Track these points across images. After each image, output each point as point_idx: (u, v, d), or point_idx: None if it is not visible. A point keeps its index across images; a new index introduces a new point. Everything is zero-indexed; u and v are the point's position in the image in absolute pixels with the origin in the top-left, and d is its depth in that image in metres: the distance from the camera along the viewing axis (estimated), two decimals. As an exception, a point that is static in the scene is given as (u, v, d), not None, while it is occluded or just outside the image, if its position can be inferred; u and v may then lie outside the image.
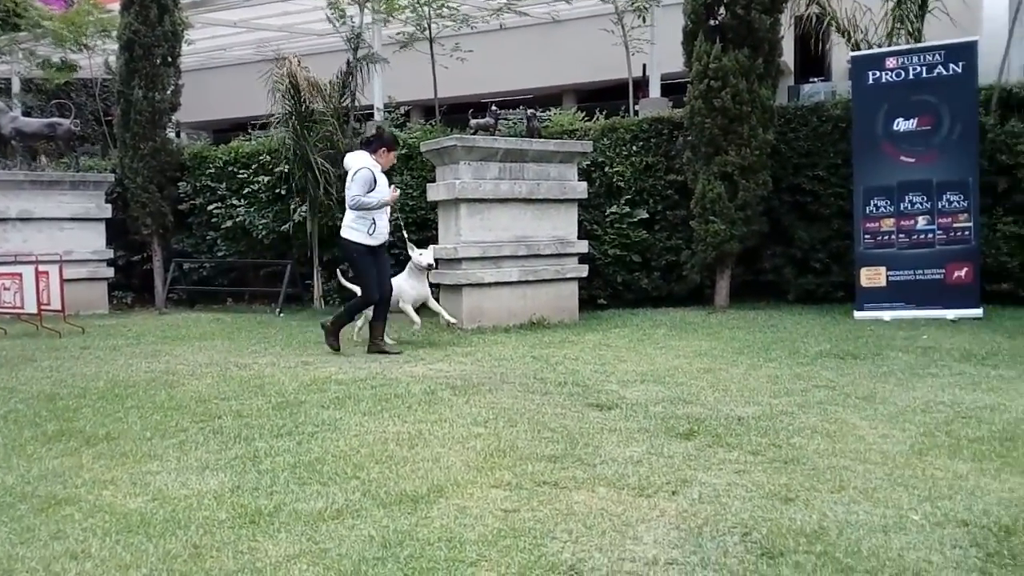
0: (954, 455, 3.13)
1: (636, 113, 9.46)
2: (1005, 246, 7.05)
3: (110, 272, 9.80)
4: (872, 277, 7.03)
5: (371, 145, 6.14)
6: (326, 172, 8.66)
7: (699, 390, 4.43)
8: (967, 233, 6.75)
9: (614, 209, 8.30)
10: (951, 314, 6.69)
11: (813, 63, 9.13)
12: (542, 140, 7.60)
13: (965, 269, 6.75)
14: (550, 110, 9.11)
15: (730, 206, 7.49)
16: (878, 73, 6.94)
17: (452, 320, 6.59)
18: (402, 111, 10.35)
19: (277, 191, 9.37)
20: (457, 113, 9.40)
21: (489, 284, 7.05)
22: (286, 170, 9.07)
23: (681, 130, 7.99)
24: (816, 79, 9.39)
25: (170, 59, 10.09)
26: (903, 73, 6.85)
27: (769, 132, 7.48)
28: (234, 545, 2.39)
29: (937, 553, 2.22)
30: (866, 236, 7.05)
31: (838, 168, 7.55)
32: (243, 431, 3.66)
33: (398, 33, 10.80)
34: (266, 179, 9.47)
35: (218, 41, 14.60)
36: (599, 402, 4.17)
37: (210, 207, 9.88)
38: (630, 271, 8.35)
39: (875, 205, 6.99)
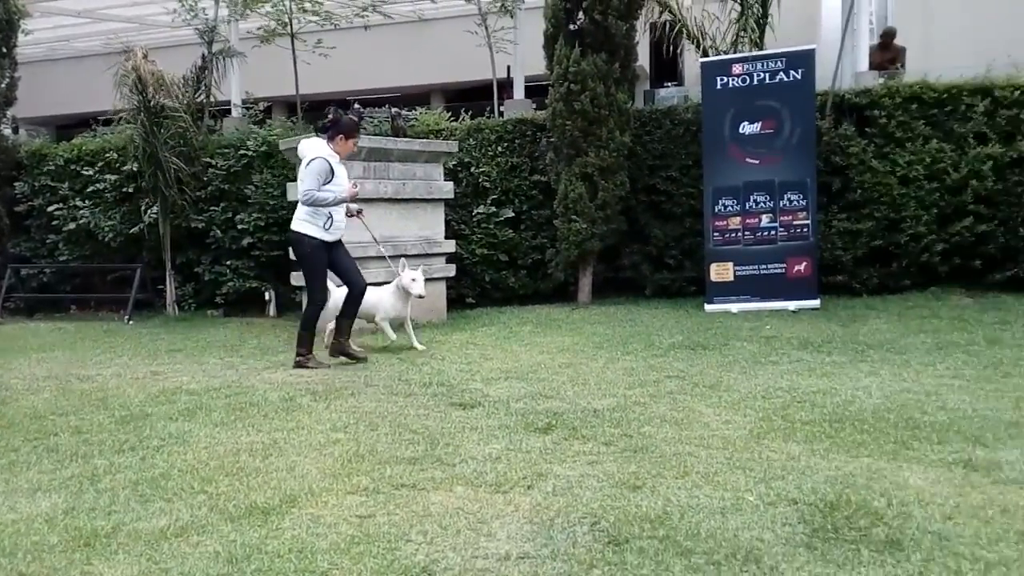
0: (788, 438, 3.35)
1: (501, 114, 9.57)
2: (839, 241, 7.61)
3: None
4: (721, 272, 7.43)
5: (327, 132, 5.55)
6: (179, 170, 8.26)
7: (560, 385, 4.54)
8: (806, 230, 7.25)
9: (481, 209, 8.36)
10: (792, 305, 7.16)
11: (667, 68, 9.54)
12: (407, 139, 7.56)
13: (804, 263, 7.25)
14: (416, 109, 9.06)
15: (591, 206, 7.71)
16: (725, 79, 7.34)
17: (420, 347, 5.87)
18: (261, 107, 10.01)
19: (125, 191, 8.85)
20: (320, 110, 9.20)
21: (354, 286, 6.92)
22: (135, 169, 8.58)
23: (544, 132, 8.15)
24: (670, 84, 9.81)
25: (4, 49, 9.34)
26: (748, 79, 7.27)
27: (626, 134, 7.74)
28: (65, 571, 2.24)
29: (769, 531, 2.37)
30: (715, 234, 7.44)
31: (689, 169, 7.92)
32: (81, 448, 3.44)
33: (258, 28, 10.45)
34: (113, 178, 8.92)
35: (62, 32, 13.64)
36: (463, 401, 4.19)
37: (50, 208, 9.21)
38: (498, 270, 8.44)
39: (723, 204, 7.39)
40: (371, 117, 8.67)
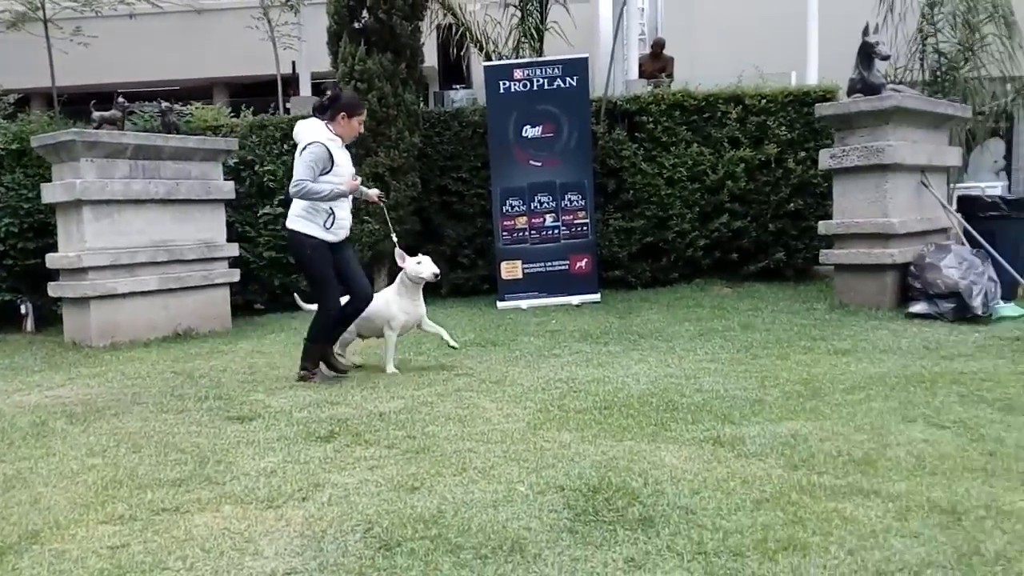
0: (562, 427, 3.52)
1: (287, 111, 9.25)
2: (616, 238, 8.11)
3: None
4: (510, 270, 7.66)
5: (326, 112, 4.69)
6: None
7: (347, 389, 4.47)
8: (585, 229, 7.65)
9: (267, 210, 8.02)
10: (576, 300, 7.53)
11: (455, 71, 9.69)
12: (181, 136, 7.09)
13: (585, 260, 7.65)
14: (191, 104, 8.53)
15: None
16: (508, 83, 7.56)
17: (454, 344, 5.20)
18: (12, 99, 8.98)
19: None
20: (85, 103, 8.41)
21: (123, 295, 6.40)
22: None
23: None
24: (459, 86, 9.98)
25: None
26: (529, 84, 7.54)
27: (416, 135, 7.77)
28: None
29: (536, 520, 2.47)
30: (504, 233, 7.66)
31: (479, 170, 8.10)
32: None
33: (3, 11, 9.36)
34: None
35: None
36: (241, 414, 3.99)
37: None
38: (288, 273, 8.13)
39: (510, 205, 7.62)
40: (140, 111, 8.04)
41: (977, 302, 5.56)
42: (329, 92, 4.82)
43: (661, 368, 4.73)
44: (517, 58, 8.23)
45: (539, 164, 7.58)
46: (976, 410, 3.52)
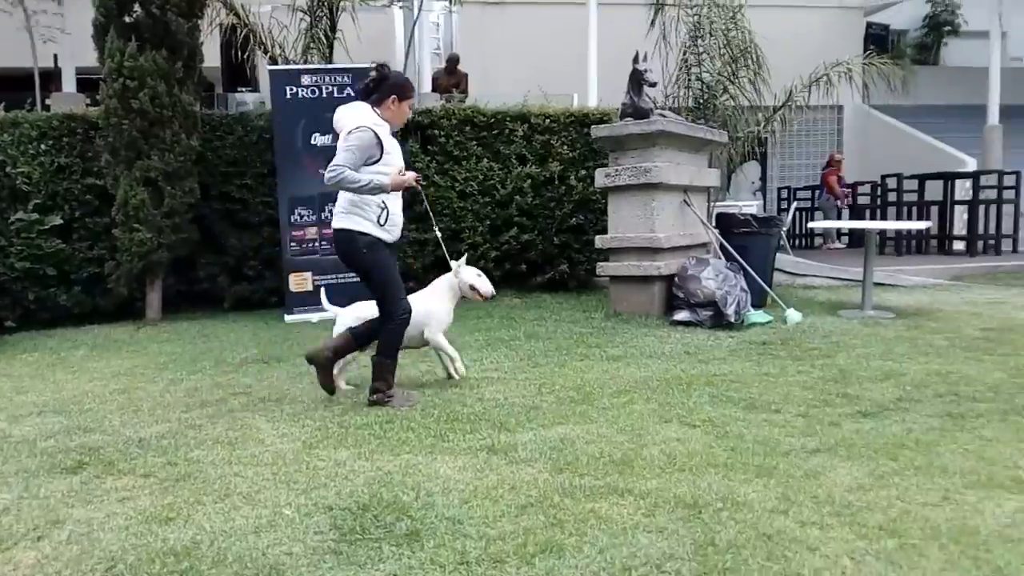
0: (339, 444, 3.45)
1: (47, 108, 8.40)
2: (410, 250, 8.10)
3: None
4: (299, 282, 7.43)
5: (371, 95, 4.08)
6: None
7: (106, 415, 4.11)
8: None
9: (20, 216, 7.23)
10: (369, 312, 7.42)
11: (241, 73, 9.27)
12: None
13: (378, 271, 7.57)
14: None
15: (156, 213, 7.14)
16: (295, 88, 7.34)
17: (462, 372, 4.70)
18: None
19: None
20: None
21: None
22: None
23: (99, 130, 7.33)
24: (244, 89, 9.56)
25: None
26: (317, 91, 7.37)
27: (194, 138, 7.32)
28: None
29: (299, 543, 2.40)
30: (292, 244, 7.41)
31: (265, 178, 7.78)
32: None
33: None
34: None
35: None
36: (-26, 446, 3.55)
37: None
38: (45, 286, 7.37)
39: (299, 214, 7.39)
40: None
41: (731, 310, 6.13)
42: (374, 72, 4.18)
43: (446, 379, 4.78)
44: (305, 63, 8.02)
45: (329, 174, 7.40)
46: (724, 409, 3.87)
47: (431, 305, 4.59)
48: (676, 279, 6.48)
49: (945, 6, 19.26)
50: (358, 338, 4.36)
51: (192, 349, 6.07)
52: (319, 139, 7.38)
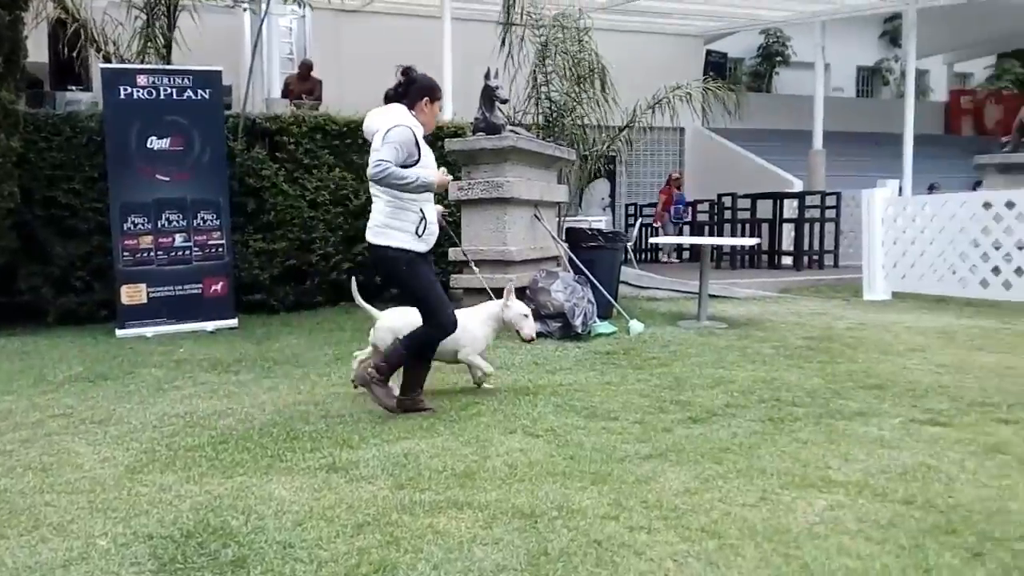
0: (167, 468, 3.25)
1: None
2: (257, 261, 7.82)
3: None
4: (132, 294, 6.98)
5: (403, 98, 3.93)
6: None
7: None
8: (221, 250, 7.26)
9: None
10: (211, 326, 7.10)
11: (71, 71, 8.63)
12: None
13: (221, 283, 7.25)
14: None
15: (-33, 219, 6.51)
16: (130, 89, 6.91)
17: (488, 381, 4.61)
18: None
19: None
20: None
21: None
22: None
23: None
24: (75, 88, 8.91)
25: None
26: (155, 92, 6.97)
27: (14, 139, 6.75)
28: None
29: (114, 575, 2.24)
30: (125, 253, 6.96)
31: (95, 182, 7.27)
32: None
33: None
34: None
35: None
36: None
37: None
38: None
39: (133, 222, 6.95)
40: None
41: (578, 321, 6.32)
42: (401, 76, 4.04)
43: (291, 395, 4.63)
44: (142, 63, 7.57)
45: (167, 179, 7.02)
46: (566, 418, 3.97)
47: (472, 327, 4.47)
48: (527, 291, 6.60)
49: (777, 38, 20.83)
50: (416, 347, 4.10)
51: (9, 367, 5.57)
52: (156, 143, 6.99)
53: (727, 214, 12.92)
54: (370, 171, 3.75)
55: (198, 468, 3.23)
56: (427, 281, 3.96)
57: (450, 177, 4.06)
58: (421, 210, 3.89)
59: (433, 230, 4.00)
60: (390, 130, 3.78)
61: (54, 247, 7.28)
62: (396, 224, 3.87)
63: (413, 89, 3.98)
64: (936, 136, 20.90)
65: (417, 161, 3.82)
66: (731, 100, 8.64)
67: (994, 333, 6.48)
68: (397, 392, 4.13)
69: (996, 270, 7.94)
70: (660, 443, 3.48)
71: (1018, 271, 7.73)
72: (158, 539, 2.48)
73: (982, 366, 5.11)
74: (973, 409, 4.02)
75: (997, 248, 7.94)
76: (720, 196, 13.13)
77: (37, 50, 8.09)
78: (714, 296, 8.39)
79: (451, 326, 4.05)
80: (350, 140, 8.12)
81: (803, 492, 2.85)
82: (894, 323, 7.07)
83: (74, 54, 7.70)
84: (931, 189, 14.18)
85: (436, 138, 8.21)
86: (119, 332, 6.88)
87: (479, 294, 6.83)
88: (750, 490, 2.88)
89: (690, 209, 14.46)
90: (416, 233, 3.88)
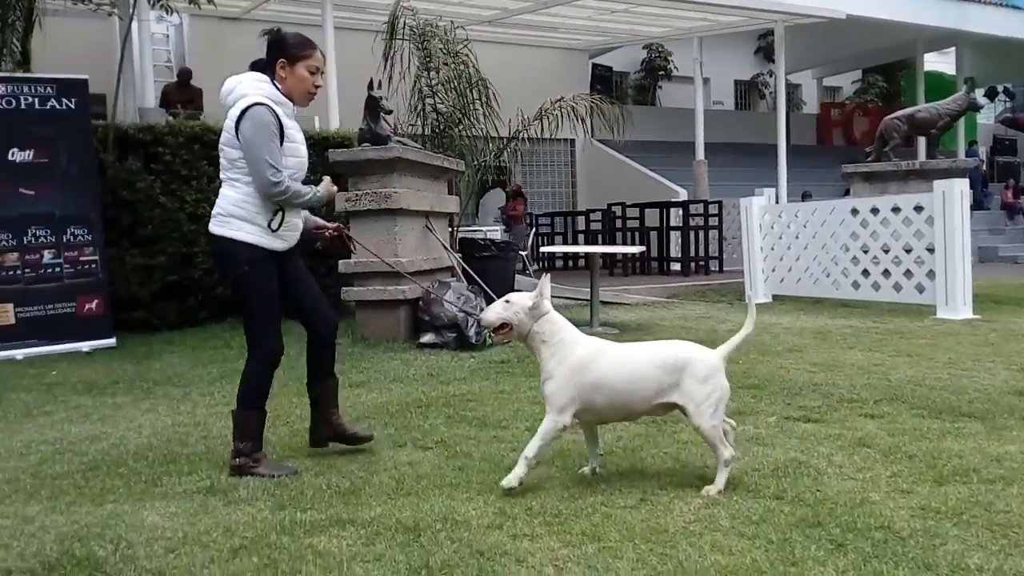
0: (32, 497, 3.06)
1: None
2: (135, 277, 7.46)
3: None
4: (1, 315, 6.54)
5: (265, 67, 3.24)
6: None
7: None
8: (94, 266, 6.90)
9: None
10: (86, 346, 6.74)
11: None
12: None
13: (96, 301, 6.89)
14: None
15: None
16: (-14, 98, 6.50)
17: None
18: None
19: None
20: None
21: None
22: None
23: None
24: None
25: None
26: (15, 101, 6.57)
27: None
28: None
29: (-37, 619, 2.08)
30: (-10, 271, 6.52)
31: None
32: None
33: None
34: None
35: None
36: None
37: None
38: None
39: (-6, 239, 6.52)
40: None
41: (472, 331, 6.34)
42: (270, 34, 3.40)
43: (171, 417, 4.44)
44: (-1, 72, 7.14)
45: (32, 193, 6.62)
46: (458, 429, 3.97)
47: None
48: (421, 303, 6.57)
49: (659, 53, 21.56)
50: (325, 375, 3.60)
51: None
52: (18, 155, 6.59)
53: (617, 223, 13.27)
54: (268, 190, 3.14)
55: (65, 497, 3.05)
56: (265, 293, 3.27)
57: (335, 188, 3.54)
58: (280, 207, 3.28)
59: (295, 225, 3.37)
60: (246, 111, 3.13)
61: (-96, 266, 6.73)
62: (244, 214, 3.20)
63: (277, 50, 3.30)
64: (809, 147, 22.13)
65: (280, 147, 3.20)
66: (615, 114, 8.88)
67: (865, 332, 6.91)
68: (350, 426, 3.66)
69: (866, 272, 8.47)
70: (547, 450, 3.52)
71: (886, 273, 8.27)
72: (17, 573, 2.32)
73: (852, 364, 5.43)
74: (843, 405, 4.27)
75: (865, 251, 8.47)
76: (610, 205, 13.47)
77: None
78: (606, 303, 8.60)
79: (272, 360, 3.36)
80: (233, 150, 7.86)
81: (681, 492, 2.95)
82: (773, 324, 7.43)
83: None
84: (804, 197, 14.99)
85: (322, 148, 8.06)
86: (-20, 355, 6.42)
87: (372, 307, 6.76)
88: (631, 492, 2.95)
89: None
90: (270, 227, 3.24)
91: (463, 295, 6.57)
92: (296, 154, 3.31)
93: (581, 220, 15.05)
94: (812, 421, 3.98)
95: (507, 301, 3.12)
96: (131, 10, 7.53)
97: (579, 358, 2.99)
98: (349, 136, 8.15)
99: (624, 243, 12.58)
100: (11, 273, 6.62)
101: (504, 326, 3.08)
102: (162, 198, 7.47)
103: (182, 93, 10.65)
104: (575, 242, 14.54)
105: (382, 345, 6.58)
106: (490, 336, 3.29)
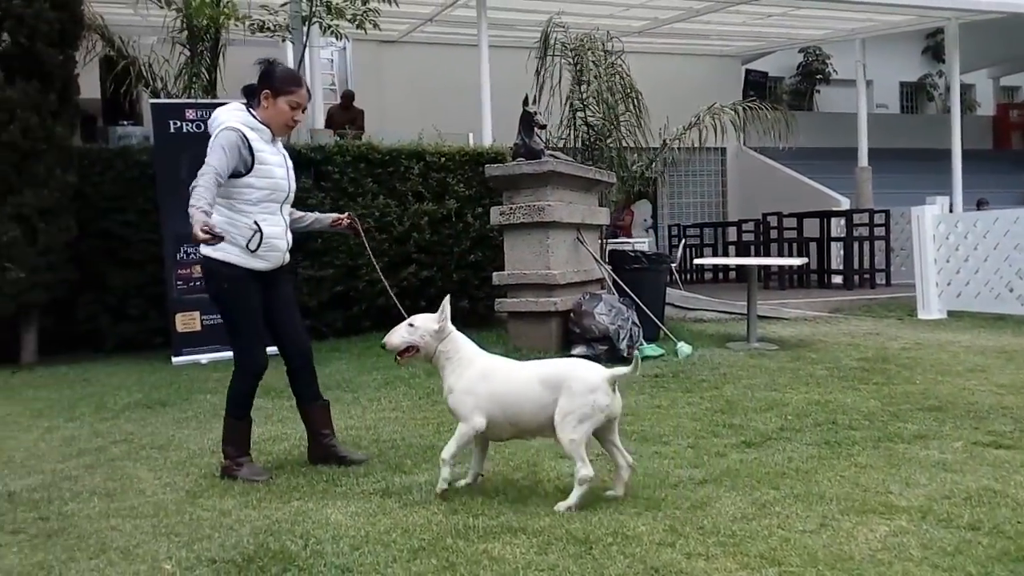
0: (226, 493, 3.31)
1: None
2: (305, 287, 7.88)
3: None
4: (187, 322, 7.14)
5: (253, 95, 3.49)
6: None
7: (-33, 469, 3.81)
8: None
9: None
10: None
11: (122, 107, 8.95)
12: None
13: (271, 310, 7.37)
14: None
15: (30, 251, 6.78)
16: (179, 123, 7.13)
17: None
18: None
19: None
20: None
21: None
22: None
23: (-36, 164, 6.90)
24: (126, 122, 9.23)
25: None
26: (203, 125, 7.15)
27: (70, 173, 7.01)
28: None
29: (179, 599, 2.28)
30: (179, 282, 7.14)
31: (149, 214, 7.48)
32: None
33: None
34: None
35: None
36: None
37: None
38: None
39: (185, 252, 7.13)
40: None
41: (623, 344, 6.29)
42: (262, 65, 3.59)
43: (343, 420, 4.67)
44: (188, 97, 7.81)
45: (218, 210, 7.19)
46: (617, 443, 3.94)
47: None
48: (572, 315, 6.59)
49: (816, 56, 20.64)
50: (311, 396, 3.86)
51: (70, 394, 5.73)
52: (206, 174, 7.16)
53: (772, 233, 12.78)
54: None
55: (256, 494, 3.28)
56: (246, 309, 3.45)
57: (200, 235, 3.12)
58: (256, 223, 3.41)
59: (275, 246, 3.50)
60: (218, 133, 3.37)
61: (110, 277, 7.50)
62: (224, 235, 3.28)
63: (262, 82, 3.48)
64: (985, 151, 20.44)
65: (251, 168, 3.38)
66: (770, 120, 8.57)
67: (1056, 352, 6.30)
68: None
69: (1055, 287, 7.73)
70: (714, 468, 3.44)
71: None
72: (220, 563, 2.52)
73: (1045, 386, 4.96)
74: (1038, 431, 3.91)
75: (1055, 264, 7.73)
76: (765, 215, 13.00)
77: (89, 87, 8.38)
78: (763, 317, 8.29)
79: (255, 373, 3.56)
80: (392, 168, 8.24)
81: (864, 518, 2.79)
82: (951, 343, 6.90)
83: (123, 90, 7.97)
84: (979, 205, 13.86)
85: (476, 163, 8.31)
86: (175, 359, 7.04)
87: (524, 319, 6.86)
88: (809, 516, 2.82)
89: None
90: (248, 247, 3.40)
91: (614, 307, 6.53)
92: (269, 175, 3.48)
93: (732, 231, 14.61)
94: (1004, 447, 3.67)
95: (411, 324, 3.29)
96: (304, 37, 8.05)
97: (476, 371, 3.18)
98: (501, 151, 8.33)
99: (780, 254, 12.09)
100: (197, 284, 7.20)
101: (409, 349, 3.26)
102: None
103: (345, 114, 11.26)
104: (725, 254, 14.13)
105: (534, 356, 6.62)
106: (396, 360, 3.37)
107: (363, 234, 4.20)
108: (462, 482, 3.30)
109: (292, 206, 3.78)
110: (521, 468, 3.54)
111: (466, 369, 3.20)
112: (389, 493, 3.23)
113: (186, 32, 7.80)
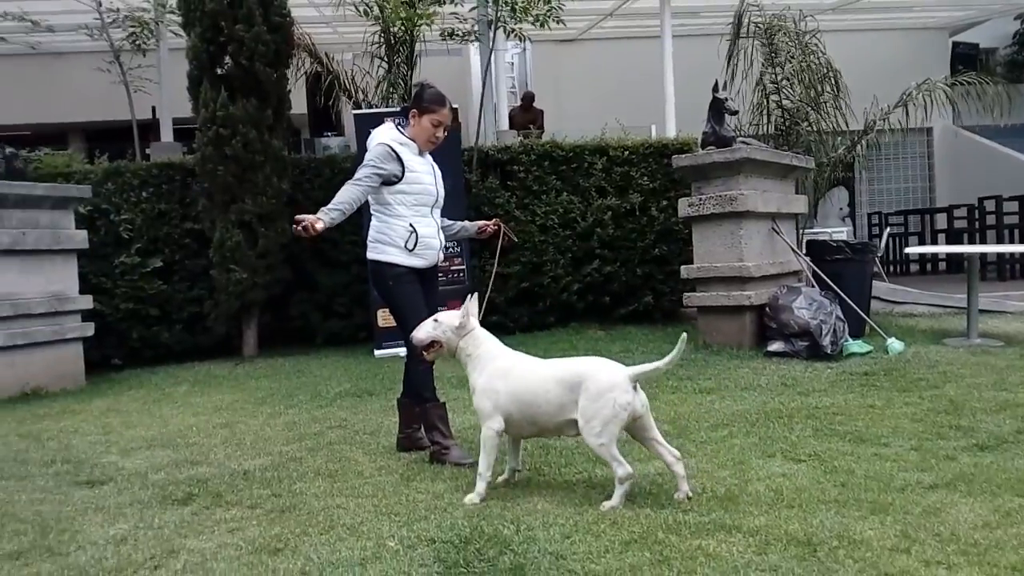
0: (436, 477, 3.46)
1: (147, 157, 8.87)
2: (493, 284, 8.15)
3: None
4: (387, 318, 7.51)
5: (403, 112, 4.09)
6: None
7: (210, 448, 4.24)
8: (462, 274, 7.67)
9: (123, 259, 7.62)
10: (454, 346, 7.50)
11: (326, 118, 9.62)
12: (28, 183, 6.64)
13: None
14: (40, 149, 8.03)
15: (251, 254, 7.43)
16: (380, 130, 7.54)
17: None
18: None
19: None
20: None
21: (-41, 353, 5.87)
22: None
23: (195, 177, 7.70)
24: (330, 133, 9.90)
25: None
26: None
27: (284, 181, 7.61)
28: None
29: (406, 575, 2.40)
30: (379, 280, 7.56)
31: (352, 217, 7.84)
32: None
33: None
34: None
35: None
36: (91, 478, 3.72)
37: None
38: (148, 326, 7.72)
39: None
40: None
41: (826, 340, 5.93)
42: (416, 89, 4.05)
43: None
44: (387, 107, 8.25)
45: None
46: (829, 443, 3.73)
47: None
48: (767, 309, 6.31)
49: (1037, 21, 18.44)
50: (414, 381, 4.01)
51: (288, 384, 6.23)
52: (404, 178, 7.54)
53: (990, 219, 11.58)
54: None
55: (464, 479, 3.40)
56: (407, 299, 3.82)
57: (297, 220, 3.65)
58: (411, 225, 3.81)
59: (430, 245, 3.88)
60: (371, 149, 3.82)
61: (320, 277, 8.08)
62: (385, 239, 3.83)
63: (412, 103, 3.95)
64: None
65: (402, 177, 3.77)
66: (987, 94, 7.75)
67: None
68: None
69: None
70: (944, 472, 3.15)
71: None
72: (440, 543, 2.63)
73: None
74: None
75: None
76: (981, 200, 11.80)
77: (297, 101, 9.08)
78: (983, 311, 7.52)
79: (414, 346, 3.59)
80: (575, 165, 8.27)
81: None
82: None
83: (329, 103, 8.55)
84: None
85: (661, 155, 8.15)
86: (377, 352, 7.47)
87: (715, 313, 6.65)
88: (1069, 527, 2.52)
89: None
90: (406, 247, 3.80)
91: (815, 301, 6.18)
92: (418, 181, 3.86)
93: (940, 218, 13.37)
94: None
95: (436, 320, 3.40)
96: (491, 42, 8.26)
97: (496, 368, 3.20)
98: (688, 142, 8.13)
99: (1000, 242, 10.93)
100: (396, 281, 7.60)
101: (434, 344, 3.36)
102: (516, 212, 8.09)
103: (526, 115, 11.47)
104: (933, 242, 12.96)
105: (726, 352, 6.43)
106: (422, 354, 3.47)
107: (501, 238, 4.50)
108: (500, 479, 3.28)
109: (452, 217, 4.27)
110: (727, 466, 3.42)
111: (487, 366, 3.23)
112: (592, 484, 3.23)
113: (383, 45, 8.23)
